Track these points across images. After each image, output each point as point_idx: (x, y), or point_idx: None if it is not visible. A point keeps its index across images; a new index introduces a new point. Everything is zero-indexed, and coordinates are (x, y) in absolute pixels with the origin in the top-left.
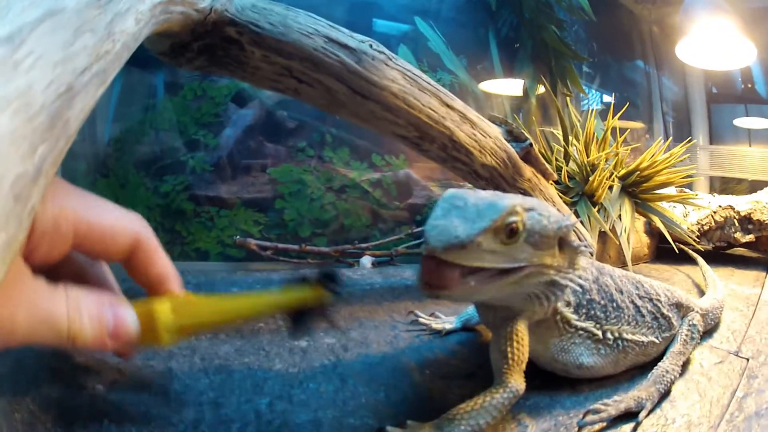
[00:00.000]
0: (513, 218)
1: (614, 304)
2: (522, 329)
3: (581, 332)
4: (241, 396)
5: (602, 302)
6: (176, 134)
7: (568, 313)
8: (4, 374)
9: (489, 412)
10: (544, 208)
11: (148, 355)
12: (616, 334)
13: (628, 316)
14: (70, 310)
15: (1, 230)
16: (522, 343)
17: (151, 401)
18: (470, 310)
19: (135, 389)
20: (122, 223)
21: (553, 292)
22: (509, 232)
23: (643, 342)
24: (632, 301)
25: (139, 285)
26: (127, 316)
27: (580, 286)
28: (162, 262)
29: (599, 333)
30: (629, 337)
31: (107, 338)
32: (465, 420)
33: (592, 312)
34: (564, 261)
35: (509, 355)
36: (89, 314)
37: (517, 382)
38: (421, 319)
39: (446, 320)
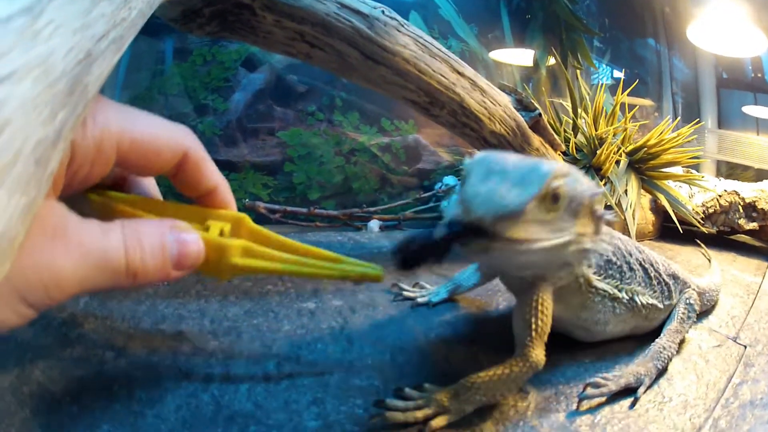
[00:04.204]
0: (557, 182)
1: (628, 266)
2: (547, 298)
3: (601, 292)
4: (250, 357)
5: (618, 263)
6: (185, 99)
7: (590, 273)
8: (10, 348)
9: (506, 384)
10: (576, 173)
11: (157, 318)
12: (630, 294)
13: (640, 278)
14: (128, 246)
15: (22, 194)
16: (546, 313)
17: (161, 365)
18: (457, 277)
19: (144, 354)
20: (167, 137)
21: (584, 259)
22: (553, 199)
23: (651, 304)
24: (640, 264)
25: (188, 197)
26: (192, 241)
27: (605, 250)
28: (212, 175)
29: (616, 292)
30: (641, 297)
31: (171, 268)
32: (482, 389)
33: (611, 272)
34: (593, 228)
35: (533, 326)
36: (150, 245)
37: (538, 356)
38: (405, 293)
39: (431, 291)
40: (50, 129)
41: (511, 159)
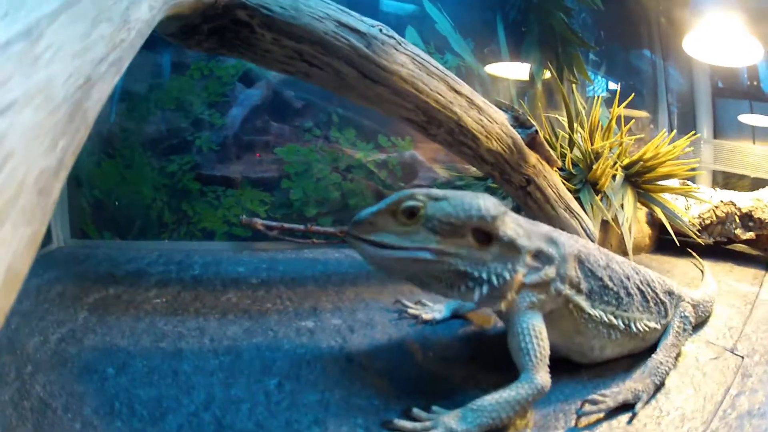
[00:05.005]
0: (409, 203)
1: (626, 291)
2: (538, 323)
3: (595, 318)
4: (251, 376)
5: (614, 289)
6: (182, 114)
7: (581, 300)
8: (10, 360)
9: (512, 407)
10: (464, 198)
11: (157, 336)
12: (627, 321)
13: (637, 303)
14: None
15: (27, 225)
16: (541, 337)
17: (162, 383)
18: None
19: (145, 372)
20: None
21: (465, 283)
22: (408, 215)
23: (649, 328)
24: (638, 287)
25: None
26: None
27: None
28: None
29: (612, 319)
30: (639, 324)
31: None
32: (488, 412)
33: (605, 298)
34: (485, 253)
35: (531, 352)
36: None
37: (543, 379)
38: (409, 310)
39: (435, 309)
40: (52, 158)
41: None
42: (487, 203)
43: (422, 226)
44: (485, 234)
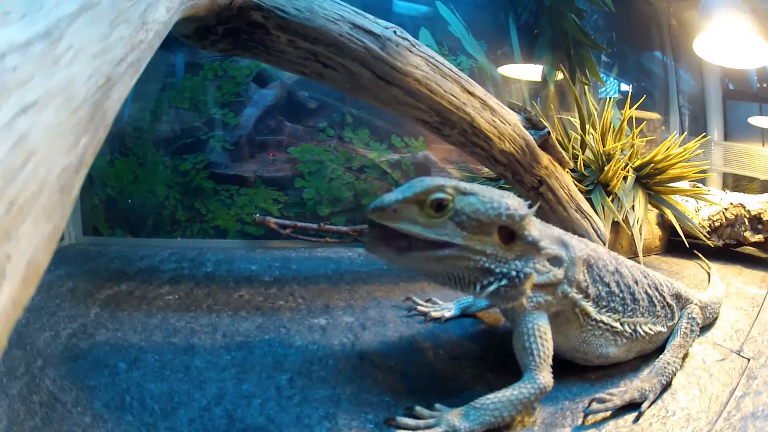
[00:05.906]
0: (438, 195)
1: (632, 297)
2: (543, 324)
3: (601, 324)
4: (262, 372)
5: (621, 295)
6: (196, 113)
7: (588, 305)
8: (19, 354)
9: (514, 406)
10: (493, 195)
11: (169, 332)
12: (633, 326)
13: (643, 308)
14: None
15: (48, 221)
16: (546, 338)
17: (173, 377)
18: (470, 297)
19: (157, 367)
20: None
21: (486, 279)
22: (436, 207)
23: (654, 332)
24: (646, 292)
25: None
26: None
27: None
28: None
29: (618, 325)
30: (645, 328)
31: None
32: (490, 411)
33: (612, 304)
34: (509, 252)
35: (535, 352)
36: None
37: (545, 378)
38: (419, 308)
39: (445, 307)
40: (73, 156)
41: (428, 179)
42: (514, 202)
43: (449, 220)
44: (510, 232)
